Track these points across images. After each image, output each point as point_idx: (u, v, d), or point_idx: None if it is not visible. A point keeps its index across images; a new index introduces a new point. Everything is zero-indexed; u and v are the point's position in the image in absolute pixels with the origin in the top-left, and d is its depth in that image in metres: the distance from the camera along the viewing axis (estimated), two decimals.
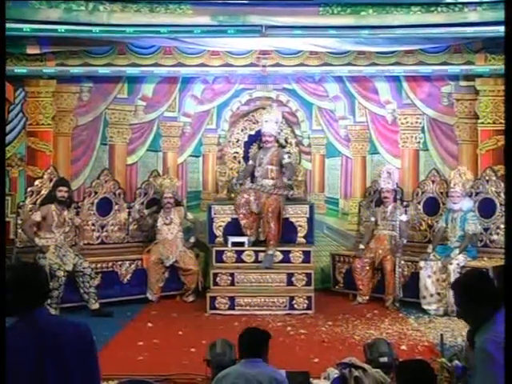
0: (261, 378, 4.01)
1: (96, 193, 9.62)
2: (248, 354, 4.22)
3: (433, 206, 9.70)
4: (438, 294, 8.62)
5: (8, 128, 9.56)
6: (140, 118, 10.35)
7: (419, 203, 9.82)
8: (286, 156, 9.50)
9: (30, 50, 9.31)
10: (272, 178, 9.30)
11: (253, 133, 10.33)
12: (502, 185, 8.92)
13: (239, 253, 9.07)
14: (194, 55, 9.95)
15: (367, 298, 9.23)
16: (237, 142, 10.43)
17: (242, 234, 9.24)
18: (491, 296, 3.26)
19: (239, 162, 10.34)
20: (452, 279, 8.47)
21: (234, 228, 9.31)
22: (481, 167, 9.63)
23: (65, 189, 8.73)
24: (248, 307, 8.63)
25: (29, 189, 9.30)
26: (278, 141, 9.70)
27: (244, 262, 9.06)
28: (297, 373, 5.08)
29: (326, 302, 9.12)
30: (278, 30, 8.87)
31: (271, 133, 9.44)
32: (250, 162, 9.68)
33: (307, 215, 9.39)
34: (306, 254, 9.06)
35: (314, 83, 10.45)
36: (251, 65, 10.01)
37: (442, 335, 6.18)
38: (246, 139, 10.40)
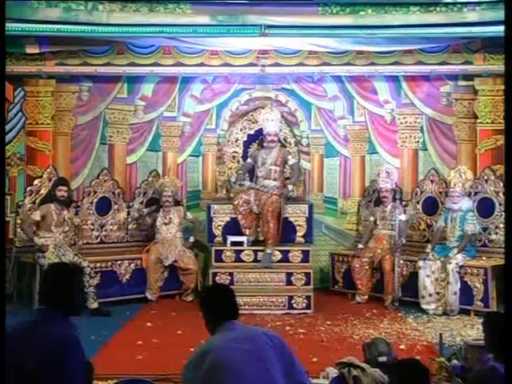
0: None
1: (95, 192, 9.62)
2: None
3: (432, 206, 9.71)
4: (437, 293, 8.62)
5: (7, 127, 9.58)
6: (140, 118, 10.37)
7: (418, 203, 9.83)
8: (290, 157, 9.48)
9: (30, 50, 9.33)
10: (275, 179, 9.26)
11: (252, 132, 10.34)
12: (501, 184, 8.93)
13: (238, 252, 9.08)
14: (194, 55, 9.96)
15: (366, 297, 9.24)
16: (236, 141, 10.43)
17: (241, 234, 9.25)
18: (222, 308, 3.58)
19: (238, 162, 10.33)
20: (451, 279, 8.50)
21: (233, 227, 9.31)
22: (480, 167, 9.64)
23: (64, 188, 8.73)
24: (247, 306, 8.62)
25: (28, 188, 9.31)
26: (279, 140, 9.71)
27: (243, 261, 9.06)
28: None
29: (324, 301, 9.13)
30: (277, 30, 8.88)
31: (276, 132, 9.43)
32: (249, 160, 9.64)
33: (306, 215, 9.40)
34: (305, 254, 9.06)
35: (312, 83, 10.46)
36: (250, 64, 10.02)
37: (440, 335, 6.22)
38: (245, 139, 10.39)
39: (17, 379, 3.20)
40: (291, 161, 9.44)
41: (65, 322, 3.40)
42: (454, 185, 8.93)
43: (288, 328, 7.84)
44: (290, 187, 9.28)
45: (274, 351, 3.38)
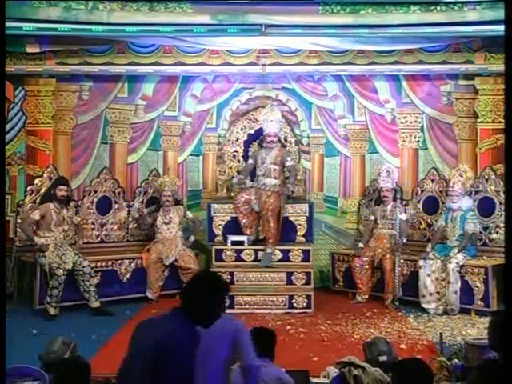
0: (266, 378, 3.99)
1: (96, 191, 9.62)
2: (256, 354, 4.18)
3: (432, 205, 9.71)
4: (438, 292, 8.62)
5: (8, 127, 9.59)
6: (140, 117, 10.38)
7: (419, 202, 9.83)
8: (289, 158, 9.41)
9: (30, 49, 9.33)
10: (274, 178, 9.25)
11: (252, 132, 10.33)
12: (502, 183, 8.93)
13: (239, 252, 9.08)
14: (194, 54, 9.97)
15: (367, 296, 9.24)
16: (236, 140, 10.42)
17: (242, 233, 9.25)
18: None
19: (239, 161, 10.33)
20: (451, 278, 8.51)
21: (233, 227, 9.32)
22: (480, 166, 9.64)
23: (65, 188, 8.72)
24: (248, 306, 8.64)
25: (28, 187, 9.31)
26: (280, 140, 9.70)
27: (243, 260, 9.07)
28: (296, 372, 5.07)
29: (325, 300, 9.13)
30: (278, 29, 8.89)
31: (275, 132, 9.42)
32: (250, 161, 9.63)
33: (306, 214, 9.39)
34: (306, 253, 9.06)
35: (313, 82, 10.47)
36: (251, 64, 10.04)
37: (441, 334, 6.20)
38: (245, 138, 10.38)
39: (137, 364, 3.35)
40: (289, 162, 9.37)
41: (186, 325, 3.46)
42: (453, 184, 8.93)
43: (288, 327, 7.84)
44: (290, 186, 9.26)
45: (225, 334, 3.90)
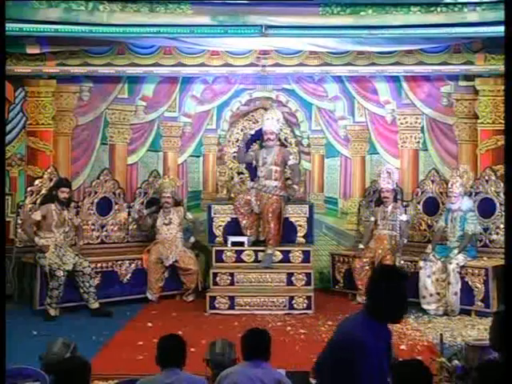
0: (265, 380, 4.00)
1: (96, 192, 9.63)
2: (252, 356, 4.19)
3: (432, 206, 9.71)
4: (438, 293, 8.62)
5: (8, 128, 9.59)
6: (140, 118, 10.38)
7: (419, 203, 9.83)
8: (291, 157, 9.47)
9: (30, 50, 9.33)
10: (276, 179, 9.26)
11: (252, 132, 10.34)
12: (502, 184, 8.93)
13: (239, 252, 9.08)
14: (194, 55, 9.97)
15: None
16: (236, 141, 10.42)
17: (242, 234, 9.25)
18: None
19: (239, 162, 10.33)
20: (452, 279, 8.50)
21: (233, 228, 9.32)
22: (480, 167, 9.64)
23: (67, 190, 8.72)
24: (248, 307, 8.63)
25: (29, 188, 9.31)
26: (279, 140, 9.71)
27: (244, 261, 9.07)
28: (297, 373, 5.07)
29: (325, 301, 9.13)
30: (278, 30, 8.88)
31: (273, 130, 9.38)
32: (251, 153, 9.66)
33: (307, 215, 9.40)
34: (306, 254, 9.07)
35: (313, 83, 10.46)
36: (251, 65, 10.03)
37: (441, 335, 6.19)
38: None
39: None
40: (291, 161, 9.44)
41: (364, 325, 3.43)
42: (452, 185, 8.93)
43: (289, 328, 7.84)
44: (296, 187, 9.32)
45: None
